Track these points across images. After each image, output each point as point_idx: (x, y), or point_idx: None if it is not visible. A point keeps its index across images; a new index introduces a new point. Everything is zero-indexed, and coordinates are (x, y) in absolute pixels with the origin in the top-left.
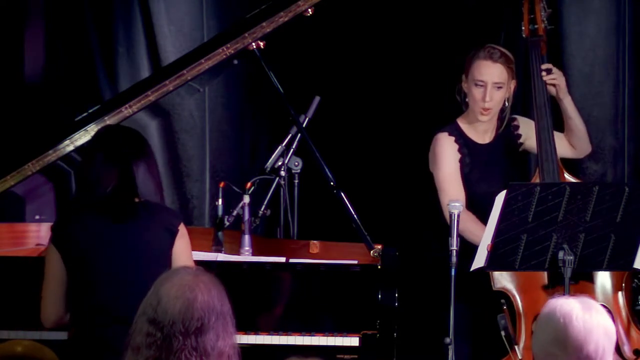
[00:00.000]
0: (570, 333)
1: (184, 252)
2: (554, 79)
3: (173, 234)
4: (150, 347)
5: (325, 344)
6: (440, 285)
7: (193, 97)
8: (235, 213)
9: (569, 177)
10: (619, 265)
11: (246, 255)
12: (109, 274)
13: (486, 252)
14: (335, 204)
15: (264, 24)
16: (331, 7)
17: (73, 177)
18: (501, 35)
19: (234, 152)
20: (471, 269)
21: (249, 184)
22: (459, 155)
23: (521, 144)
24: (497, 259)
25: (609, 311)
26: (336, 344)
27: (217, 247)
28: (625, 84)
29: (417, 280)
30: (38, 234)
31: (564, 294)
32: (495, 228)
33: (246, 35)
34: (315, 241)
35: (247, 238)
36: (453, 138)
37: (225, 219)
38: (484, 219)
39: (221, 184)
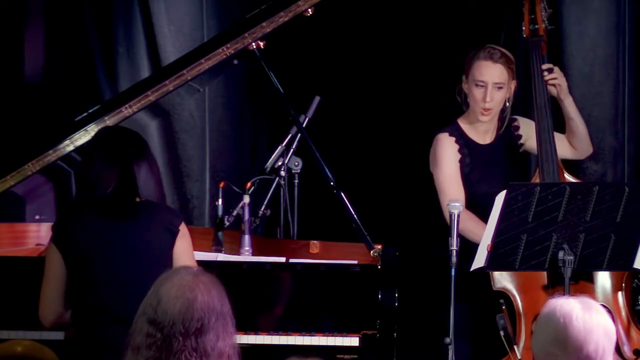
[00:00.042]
0: (570, 333)
1: (186, 252)
2: (555, 79)
3: (174, 234)
4: (150, 347)
5: (325, 344)
6: (440, 285)
7: (193, 97)
8: (235, 213)
9: (569, 177)
10: (619, 265)
11: (246, 255)
12: (109, 273)
13: (486, 252)
14: (335, 204)
15: (264, 24)
16: (331, 7)
17: (73, 177)
18: (501, 36)
19: (234, 152)
20: (471, 269)
21: (249, 184)
22: (459, 156)
23: (522, 144)
24: (497, 259)
25: (609, 311)
26: (336, 344)
27: (217, 247)
28: (625, 84)
29: (417, 280)
30: (38, 234)
31: (564, 294)
32: (495, 228)
33: (246, 35)
34: (315, 241)
35: (247, 238)
36: (453, 138)
37: (225, 219)
38: (484, 219)
39: (221, 184)
